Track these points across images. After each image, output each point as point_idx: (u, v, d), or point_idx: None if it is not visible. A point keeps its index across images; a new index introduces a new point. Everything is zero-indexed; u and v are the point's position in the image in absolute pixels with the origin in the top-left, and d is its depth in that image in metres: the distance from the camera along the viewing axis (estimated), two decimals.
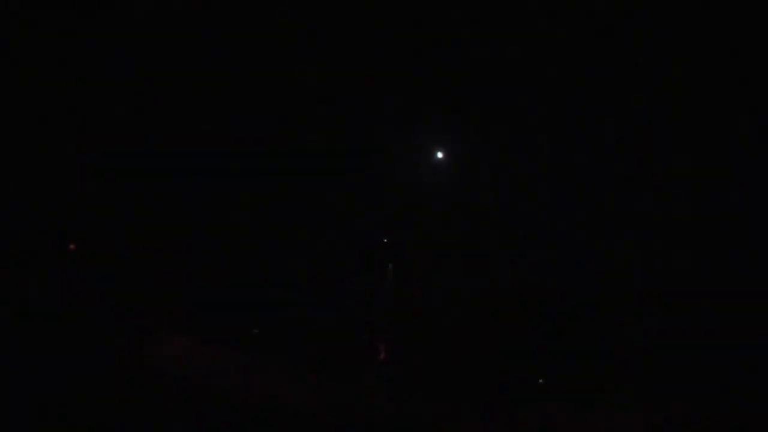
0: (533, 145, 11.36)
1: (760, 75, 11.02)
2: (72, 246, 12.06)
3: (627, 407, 10.31)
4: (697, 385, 10.29)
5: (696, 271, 10.94)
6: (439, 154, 11.26)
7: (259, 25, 11.75)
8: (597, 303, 11.16)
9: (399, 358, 11.36)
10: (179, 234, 11.96)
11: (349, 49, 11.56)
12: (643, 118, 11.24)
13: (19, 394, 9.93)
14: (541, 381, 10.83)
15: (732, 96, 11.14)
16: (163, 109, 11.93)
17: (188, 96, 11.90)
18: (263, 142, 11.86)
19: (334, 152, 11.70)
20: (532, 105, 11.32)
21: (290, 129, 11.86)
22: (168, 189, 11.95)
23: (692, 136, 11.19)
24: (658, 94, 11.15)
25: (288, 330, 11.53)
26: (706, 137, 11.19)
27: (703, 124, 11.16)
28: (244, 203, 11.96)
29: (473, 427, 10.35)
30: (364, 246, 11.66)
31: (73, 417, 9.78)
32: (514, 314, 11.24)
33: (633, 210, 11.23)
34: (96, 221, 12.04)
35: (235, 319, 11.63)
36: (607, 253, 11.20)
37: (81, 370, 10.46)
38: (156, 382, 10.67)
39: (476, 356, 11.04)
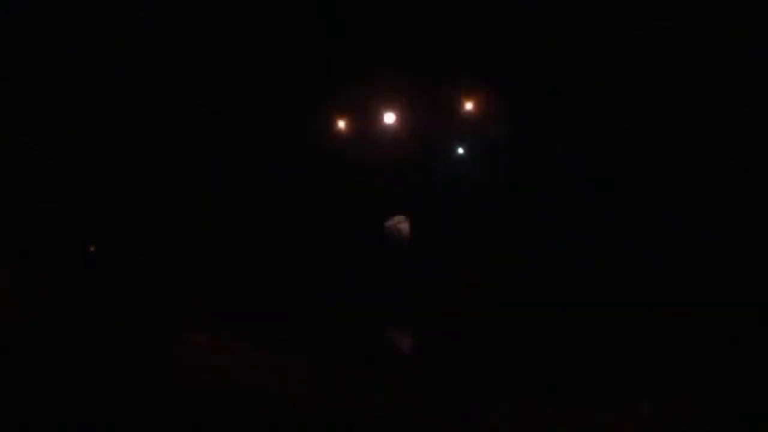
0: (554, 140, 11.62)
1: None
2: (92, 248, 12.15)
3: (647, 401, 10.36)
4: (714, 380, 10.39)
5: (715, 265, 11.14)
6: (460, 150, 11.49)
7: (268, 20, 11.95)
8: (616, 297, 11.31)
9: (420, 350, 11.40)
10: (200, 231, 12.04)
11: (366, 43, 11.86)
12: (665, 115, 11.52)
13: (42, 392, 9.91)
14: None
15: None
16: (181, 110, 12.11)
17: (203, 98, 12.11)
18: (284, 136, 12.05)
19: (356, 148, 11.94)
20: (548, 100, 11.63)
21: (310, 125, 12.06)
22: (187, 186, 12.07)
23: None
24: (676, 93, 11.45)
25: (310, 324, 11.59)
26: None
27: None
28: (263, 199, 12.08)
29: (490, 420, 10.36)
30: (386, 239, 11.77)
31: (94, 415, 9.71)
32: (532, 306, 11.36)
33: (653, 206, 11.43)
34: (116, 222, 12.12)
35: (256, 314, 11.68)
36: (629, 247, 11.36)
37: (104, 368, 10.49)
38: (178, 378, 10.65)
39: (495, 349, 11.15)
